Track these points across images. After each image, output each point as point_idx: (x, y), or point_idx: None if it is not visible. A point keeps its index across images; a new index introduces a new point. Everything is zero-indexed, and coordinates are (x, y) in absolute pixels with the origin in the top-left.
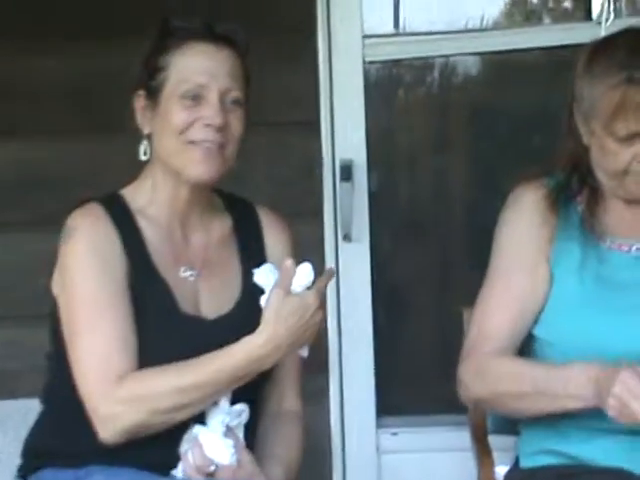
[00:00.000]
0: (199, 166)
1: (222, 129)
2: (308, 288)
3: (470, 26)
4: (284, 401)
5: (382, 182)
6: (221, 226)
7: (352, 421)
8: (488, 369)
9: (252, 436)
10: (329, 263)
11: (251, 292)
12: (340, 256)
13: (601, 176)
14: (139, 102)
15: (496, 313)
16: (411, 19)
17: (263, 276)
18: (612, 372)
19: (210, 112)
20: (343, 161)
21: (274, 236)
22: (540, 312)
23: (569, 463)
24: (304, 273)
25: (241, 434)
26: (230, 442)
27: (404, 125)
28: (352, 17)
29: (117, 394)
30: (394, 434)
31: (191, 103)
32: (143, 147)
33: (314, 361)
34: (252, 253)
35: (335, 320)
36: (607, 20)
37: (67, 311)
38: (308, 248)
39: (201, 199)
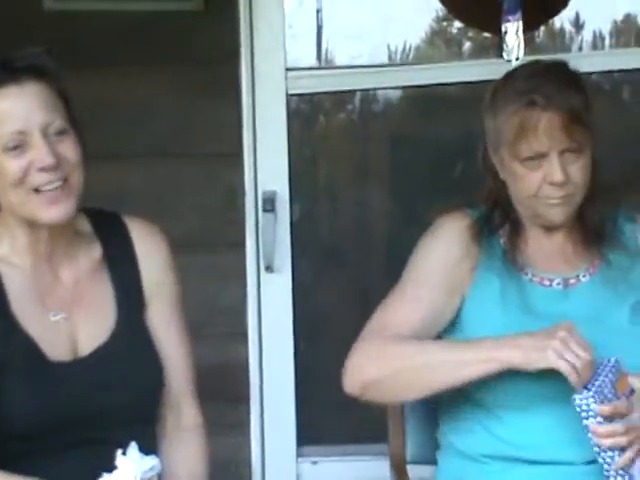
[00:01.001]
0: (50, 211)
1: (57, 166)
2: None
3: (392, 58)
4: (182, 418)
5: (304, 213)
6: (89, 254)
7: (273, 450)
8: (386, 348)
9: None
10: (251, 293)
11: (126, 318)
12: (262, 286)
13: (518, 206)
14: None
15: (400, 312)
16: (333, 52)
17: (129, 464)
18: (549, 329)
19: (38, 155)
20: (266, 193)
21: (145, 246)
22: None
23: None
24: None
25: None
26: None
27: (326, 156)
28: (275, 50)
29: None
30: (314, 463)
31: (17, 152)
32: None
33: (235, 390)
34: (125, 274)
35: (257, 350)
36: (517, 59)
37: None
38: (230, 278)
39: (63, 235)
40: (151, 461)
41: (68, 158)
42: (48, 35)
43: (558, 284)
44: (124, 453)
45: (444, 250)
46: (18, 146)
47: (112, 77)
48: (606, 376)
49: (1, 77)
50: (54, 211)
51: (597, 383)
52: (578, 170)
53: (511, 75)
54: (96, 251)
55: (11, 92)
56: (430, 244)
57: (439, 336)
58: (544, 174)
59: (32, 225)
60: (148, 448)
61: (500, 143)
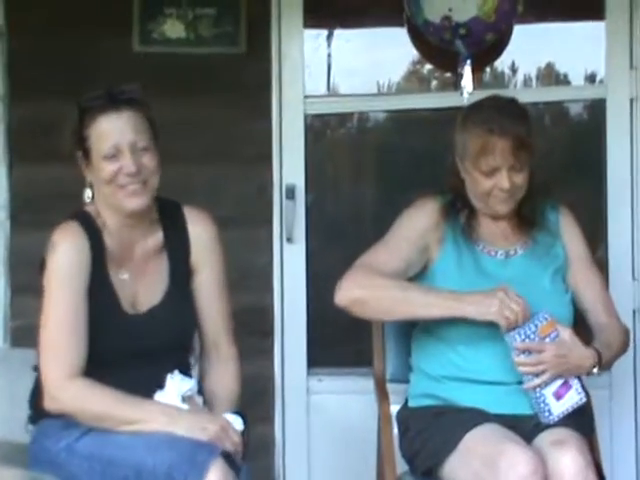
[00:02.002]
0: (131, 201)
1: (138, 173)
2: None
3: (380, 90)
4: (221, 352)
5: (316, 200)
6: (155, 237)
7: (289, 370)
8: (373, 278)
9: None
10: (276, 257)
11: (175, 288)
12: (284, 253)
13: (473, 199)
14: (79, 159)
15: (383, 256)
16: (339, 84)
17: (174, 384)
18: (493, 289)
19: (127, 162)
20: (288, 185)
21: (196, 230)
22: None
23: (442, 404)
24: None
25: (195, 397)
26: (186, 406)
27: (332, 160)
28: (297, 82)
29: (64, 388)
30: (320, 380)
31: (112, 159)
32: (87, 192)
33: (263, 327)
34: (178, 253)
35: (279, 299)
36: (469, 93)
37: (42, 311)
38: (261, 247)
39: (140, 220)
40: (189, 383)
41: (148, 167)
42: (135, 71)
43: (501, 255)
44: (171, 377)
45: (419, 221)
46: (113, 155)
47: (182, 102)
48: (533, 323)
49: (105, 105)
50: (134, 202)
51: (524, 328)
52: (520, 180)
53: (479, 104)
54: (159, 235)
55: (111, 117)
56: (410, 215)
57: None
58: (496, 181)
59: (118, 211)
60: (184, 371)
61: (465, 155)
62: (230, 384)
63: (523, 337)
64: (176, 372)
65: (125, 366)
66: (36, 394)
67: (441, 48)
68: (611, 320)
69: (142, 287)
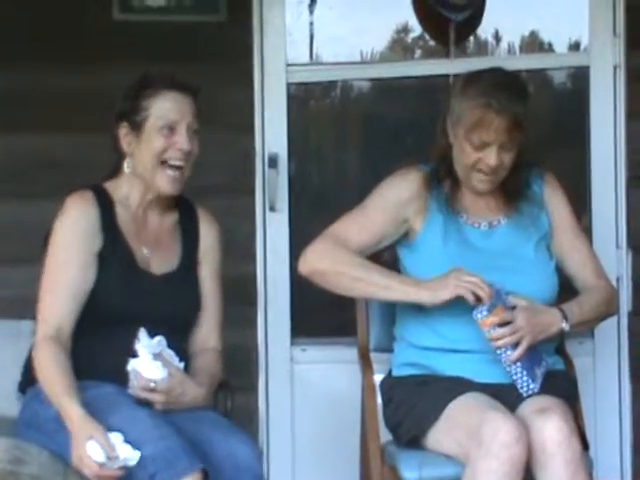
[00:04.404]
0: (167, 185)
1: (189, 153)
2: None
3: (364, 58)
4: (209, 343)
5: (298, 169)
6: (171, 217)
7: (273, 340)
8: (339, 252)
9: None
10: (259, 226)
11: (186, 264)
12: (267, 221)
13: (458, 169)
14: (122, 131)
15: (355, 226)
16: (321, 53)
17: (148, 343)
18: (446, 274)
19: (182, 139)
20: (271, 154)
21: (206, 229)
22: (413, 264)
23: (425, 373)
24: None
25: (168, 356)
26: (159, 363)
27: (315, 128)
28: (279, 50)
29: (38, 347)
30: (304, 350)
31: (167, 133)
32: (127, 163)
33: (247, 296)
34: (190, 237)
35: (262, 269)
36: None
37: (46, 266)
38: (245, 215)
39: (162, 200)
40: (156, 338)
41: (194, 151)
42: (116, 39)
43: (484, 226)
44: (138, 341)
45: (398, 191)
46: (171, 129)
47: (162, 69)
48: (497, 299)
49: (172, 86)
50: (170, 187)
51: (489, 305)
52: (507, 159)
53: (480, 75)
54: (175, 216)
55: (177, 96)
56: (389, 185)
57: (396, 254)
58: (483, 156)
59: (147, 188)
60: (181, 348)
61: (459, 123)
62: (212, 369)
63: (489, 311)
64: (141, 330)
65: (119, 328)
66: (29, 362)
67: (433, 13)
68: (599, 282)
69: (157, 257)
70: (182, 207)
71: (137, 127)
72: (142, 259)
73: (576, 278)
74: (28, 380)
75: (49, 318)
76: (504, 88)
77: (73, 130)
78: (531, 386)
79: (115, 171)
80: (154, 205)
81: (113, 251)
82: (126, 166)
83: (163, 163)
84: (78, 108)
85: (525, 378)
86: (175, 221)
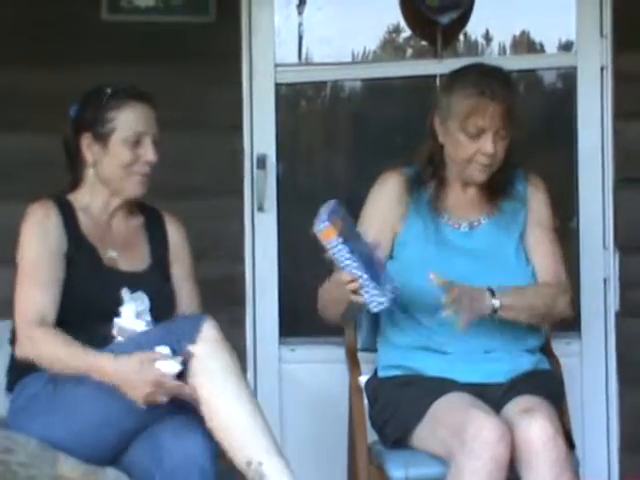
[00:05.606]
0: (136, 188)
1: (154, 163)
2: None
3: (354, 58)
4: None
5: (287, 170)
6: (136, 220)
7: (261, 340)
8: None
9: None
10: (247, 226)
11: (156, 265)
12: (255, 222)
13: (452, 164)
14: (85, 141)
15: None
16: (311, 53)
17: (129, 305)
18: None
19: (149, 151)
20: (259, 154)
21: (173, 230)
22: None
23: (409, 374)
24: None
25: (148, 317)
26: (142, 322)
27: (304, 129)
28: (268, 50)
29: (33, 332)
30: (292, 349)
31: (134, 145)
32: (90, 172)
33: (235, 296)
34: (157, 240)
35: (250, 269)
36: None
37: (18, 269)
38: (233, 215)
39: (126, 204)
40: (139, 294)
41: (156, 160)
42: (104, 40)
43: (465, 227)
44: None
45: (382, 200)
46: (136, 142)
47: (152, 71)
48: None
49: (136, 97)
50: (139, 190)
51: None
52: (501, 147)
53: (466, 69)
54: (140, 219)
55: (142, 107)
56: (374, 197)
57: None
58: (480, 146)
59: (113, 195)
60: None
61: (450, 116)
62: None
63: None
64: (124, 290)
65: (93, 319)
66: (14, 361)
67: (421, 15)
68: (551, 280)
69: (125, 258)
70: (146, 212)
71: (102, 138)
72: (109, 260)
73: (537, 273)
74: (15, 377)
75: (31, 310)
76: (493, 77)
77: (60, 131)
78: (380, 299)
79: (76, 181)
80: (118, 210)
81: (78, 252)
82: (90, 175)
83: (133, 174)
84: (65, 109)
85: (374, 292)
86: (140, 224)
